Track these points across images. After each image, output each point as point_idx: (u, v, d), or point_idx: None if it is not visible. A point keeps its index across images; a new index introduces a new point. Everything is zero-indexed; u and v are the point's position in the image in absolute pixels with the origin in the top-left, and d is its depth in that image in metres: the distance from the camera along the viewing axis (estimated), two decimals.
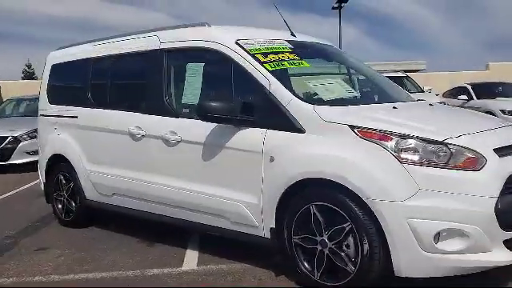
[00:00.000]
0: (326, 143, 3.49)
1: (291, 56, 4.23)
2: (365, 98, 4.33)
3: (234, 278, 3.97)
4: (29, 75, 47.11)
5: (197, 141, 4.20)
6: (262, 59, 4.00)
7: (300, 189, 3.56)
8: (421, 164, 3.19)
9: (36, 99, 12.08)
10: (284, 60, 4.13)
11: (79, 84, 5.68)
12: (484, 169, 3.17)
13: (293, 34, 4.71)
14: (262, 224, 3.83)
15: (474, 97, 14.31)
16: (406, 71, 17.95)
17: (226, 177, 4.05)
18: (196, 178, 4.26)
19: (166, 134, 4.41)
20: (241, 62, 4.01)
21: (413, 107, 4.35)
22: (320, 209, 3.46)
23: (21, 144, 10.58)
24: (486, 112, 10.36)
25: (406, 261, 3.17)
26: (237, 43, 4.15)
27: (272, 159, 3.71)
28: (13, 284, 4.15)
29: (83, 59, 5.67)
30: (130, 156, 4.86)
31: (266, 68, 3.92)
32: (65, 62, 6.01)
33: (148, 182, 4.66)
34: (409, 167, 3.18)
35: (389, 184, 3.18)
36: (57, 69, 6.14)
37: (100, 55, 5.45)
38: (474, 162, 3.18)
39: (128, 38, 5.19)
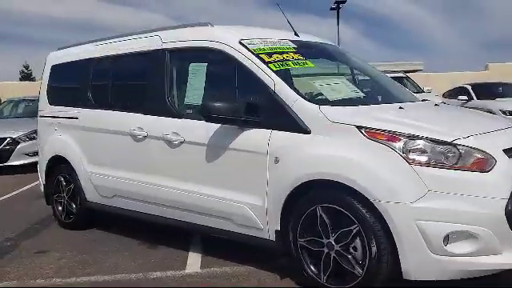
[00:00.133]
0: (332, 144, 3.44)
1: (295, 56, 4.18)
2: (370, 98, 4.28)
3: (239, 281, 3.91)
4: (26, 76, 46.98)
5: (200, 142, 4.15)
6: (267, 59, 3.95)
7: (306, 190, 3.51)
8: (429, 165, 3.14)
9: (34, 100, 12.08)
10: (288, 60, 4.08)
11: (80, 84, 5.61)
12: (493, 170, 3.12)
13: (296, 34, 4.66)
14: (267, 226, 3.77)
15: (474, 97, 14.29)
16: (404, 72, 17.92)
17: (230, 178, 4.00)
18: (199, 180, 4.20)
19: (169, 135, 4.35)
20: (245, 62, 3.96)
21: (419, 107, 4.30)
22: (326, 211, 3.41)
23: (19, 145, 10.50)
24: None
25: (415, 263, 3.12)
26: (240, 43, 4.10)
27: (277, 160, 3.66)
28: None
29: (84, 59, 5.61)
30: (131, 157, 4.81)
31: (270, 68, 3.86)
32: (65, 63, 5.95)
33: (150, 184, 4.60)
34: (417, 168, 3.13)
35: (397, 185, 3.13)
36: (57, 69, 6.08)
37: (101, 55, 5.39)
38: (484, 163, 3.14)
39: (129, 38, 5.14)
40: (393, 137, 3.25)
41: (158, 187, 4.52)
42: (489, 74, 23.22)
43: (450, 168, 3.12)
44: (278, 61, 3.99)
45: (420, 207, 3.07)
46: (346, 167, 3.31)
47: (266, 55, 4.01)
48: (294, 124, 3.62)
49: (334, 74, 4.56)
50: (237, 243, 4.16)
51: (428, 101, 4.69)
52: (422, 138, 3.22)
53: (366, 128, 3.34)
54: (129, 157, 4.83)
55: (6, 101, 14.12)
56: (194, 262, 4.40)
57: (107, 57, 5.32)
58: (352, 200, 3.27)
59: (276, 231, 3.72)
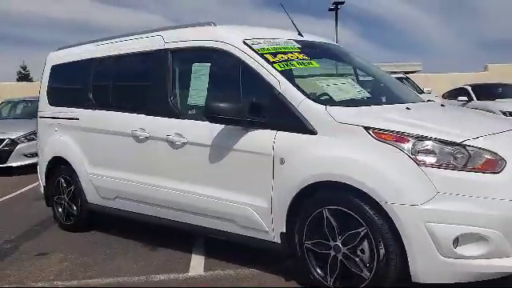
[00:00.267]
0: (339, 145, 3.39)
1: (300, 56, 4.13)
2: (376, 99, 4.23)
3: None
4: (24, 77, 46.81)
5: (203, 143, 4.09)
6: (271, 59, 3.90)
7: (312, 192, 3.46)
8: (438, 166, 3.09)
9: (33, 101, 12.02)
10: (293, 60, 4.03)
11: (81, 85, 5.55)
12: (504, 171, 3.07)
13: (300, 34, 4.62)
14: (272, 228, 3.72)
15: (474, 98, 14.25)
16: (404, 73, 17.88)
17: (234, 180, 3.95)
18: (203, 181, 4.15)
19: (171, 136, 4.30)
20: (249, 62, 3.91)
21: (425, 108, 4.25)
22: (333, 213, 3.36)
23: (18, 146, 10.44)
24: None
25: (424, 266, 3.07)
26: (245, 43, 4.05)
27: (282, 161, 3.60)
28: None
29: (85, 60, 5.55)
30: (133, 158, 4.75)
31: (275, 68, 3.81)
32: (65, 63, 5.88)
33: (152, 185, 4.54)
34: (426, 169, 3.08)
35: (406, 187, 3.08)
36: (57, 70, 6.01)
37: (102, 55, 5.33)
38: (494, 164, 3.09)
39: (131, 38, 5.08)
40: (401, 138, 3.20)
41: (160, 188, 4.46)
42: (488, 75, 23.18)
43: (459, 169, 3.07)
44: (283, 61, 3.94)
45: (429, 209, 3.02)
46: (354, 168, 3.26)
47: (270, 55, 3.96)
48: (299, 125, 3.57)
49: (339, 75, 4.51)
50: (239, 245, 4.11)
51: (433, 101, 4.65)
52: (430, 139, 3.17)
53: (374, 129, 3.29)
54: (131, 158, 4.77)
55: (5, 101, 14.04)
56: (197, 264, 4.34)
57: (109, 57, 5.26)
58: (360, 202, 3.22)
59: (281, 233, 3.67)
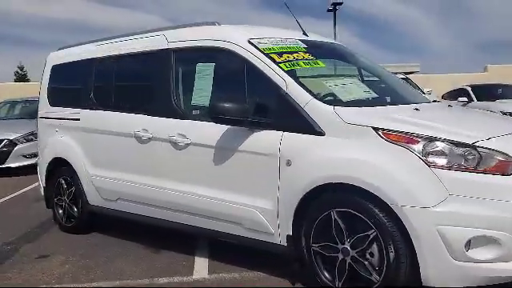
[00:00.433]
0: (347, 146, 3.32)
1: (306, 56, 4.08)
2: (383, 99, 4.17)
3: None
4: (21, 77, 46.62)
5: (207, 143, 4.03)
6: (277, 59, 3.85)
7: (320, 194, 3.40)
8: (449, 168, 3.03)
9: (32, 101, 11.95)
10: (299, 60, 3.98)
11: (82, 85, 5.48)
12: None
13: (305, 34, 4.56)
14: (278, 231, 3.66)
15: (474, 98, 14.22)
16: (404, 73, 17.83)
17: (239, 181, 3.88)
18: (207, 183, 4.08)
19: (175, 137, 4.24)
20: (255, 61, 3.85)
21: (434, 108, 4.20)
22: (342, 215, 3.30)
23: (17, 147, 10.36)
24: None
25: (435, 270, 3.01)
26: (250, 42, 3.99)
27: (289, 163, 3.54)
28: None
29: (86, 59, 5.48)
30: (135, 159, 4.69)
31: (281, 68, 3.76)
32: (66, 63, 5.82)
33: (155, 187, 4.48)
34: (437, 171, 3.02)
35: (417, 189, 3.02)
36: (58, 70, 5.95)
37: (104, 55, 5.26)
38: (506, 166, 3.03)
39: (134, 37, 5.02)
40: (411, 139, 3.14)
41: (163, 190, 4.40)
42: (488, 76, 23.17)
43: (470, 171, 3.02)
44: (289, 60, 3.89)
45: (441, 211, 2.96)
46: (363, 170, 3.20)
47: (276, 55, 3.90)
48: (306, 125, 3.51)
49: (345, 75, 4.44)
50: (243, 248, 4.04)
51: (440, 102, 4.59)
52: (441, 140, 3.11)
53: (384, 129, 3.23)
54: (133, 159, 4.71)
55: (3, 102, 13.95)
56: (201, 267, 4.27)
57: (111, 57, 5.19)
58: (369, 204, 3.16)
59: (287, 236, 3.61)
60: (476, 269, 2.97)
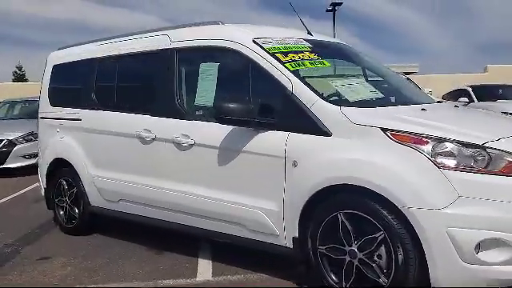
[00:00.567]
0: (355, 147, 3.28)
1: (311, 55, 4.03)
2: (389, 99, 4.12)
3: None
4: (20, 77, 46.52)
5: (212, 144, 3.98)
6: (283, 59, 3.80)
7: (326, 196, 3.35)
8: (459, 169, 2.99)
9: (32, 101, 11.88)
10: (305, 59, 3.93)
11: (83, 85, 5.43)
12: None
13: (309, 33, 4.52)
14: (284, 233, 3.62)
15: (475, 99, 14.17)
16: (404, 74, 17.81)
17: (244, 182, 3.83)
18: (211, 184, 4.04)
19: (178, 137, 4.19)
20: (260, 61, 3.81)
21: (441, 109, 4.16)
22: (349, 217, 3.26)
23: (16, 147, 10.29)
24: None
25: (445, 272, 2.97)
26: (255, 42, 3.94)
27: (295, 164, 3.50)
28: None
29: (87, 59, 5.43)
30: (138, 160, 4.64)
31: (287, 68, 3.71)
32: (67, 63, 5.76)
33: (157, 188, 4.43)
34: (447, 172, 2.98)
35: (426, 190, 2.98)
36: (59, 69, 5.89)
37: (106, 55, 5.21)
38: None
39: (136, 37, 4.96)
40: (420, 139, 3.10)
41: (166, 191, 4.35)
42: (488, 76, 23.17)
43: (480, 172, 2.98)
44: (295, 60, 3.84)
45: (451, 213, 2.92)
46: (371, 171, 3.15)
47: (281, 54, 3.86)
48: (313, 126, 3.47)
49: (350, 75, 4.39)
50: (246, 249, 4.00)
51: (445, 102, 4.55)
52: (450, 141, 3.07)
53: (392, 130, 3.18)
54: (136, 160, 4.66)
55: (3, 102, 13.87)
56: (204, 269, 4.23)
57: (113, 56, 5.13)
58: (377, 206, 3.11)
59: (293, 238, 3.56)
60: (486, 271, 2.93)
